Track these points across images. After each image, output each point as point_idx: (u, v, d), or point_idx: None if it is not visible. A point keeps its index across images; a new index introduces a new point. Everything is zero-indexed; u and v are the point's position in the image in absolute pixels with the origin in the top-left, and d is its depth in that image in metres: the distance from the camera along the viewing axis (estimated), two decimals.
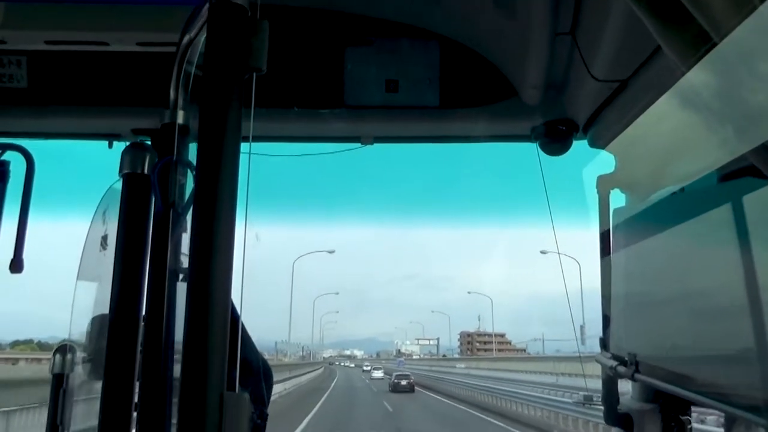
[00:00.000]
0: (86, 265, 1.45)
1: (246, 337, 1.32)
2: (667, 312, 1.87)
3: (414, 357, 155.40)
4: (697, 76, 1.24)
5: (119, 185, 1.24)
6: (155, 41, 1.35)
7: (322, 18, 2.14)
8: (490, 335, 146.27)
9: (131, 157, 1.21)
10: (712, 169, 1.65)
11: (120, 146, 2.30)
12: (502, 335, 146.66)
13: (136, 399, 1.16)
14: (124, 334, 1.16)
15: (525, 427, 26.13)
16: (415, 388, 51.52)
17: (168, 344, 1.10)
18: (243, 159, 0.95)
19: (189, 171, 1.08)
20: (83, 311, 1.45)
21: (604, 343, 2.20)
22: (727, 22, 0.98)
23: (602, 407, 2.19)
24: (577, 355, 3.93)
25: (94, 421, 1.21)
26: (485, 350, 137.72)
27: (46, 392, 1.42)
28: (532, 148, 2.28)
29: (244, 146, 0.90)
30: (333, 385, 63.33)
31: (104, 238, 1.30)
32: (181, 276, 1.08)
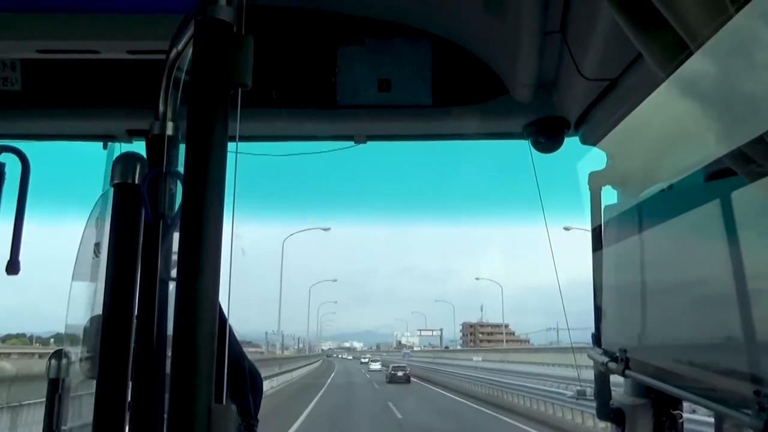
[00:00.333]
0: (80, 269, 1.46)
1: (234, 344, 1.34)
2: (656, 308, 1.89)
3: (415, 349, 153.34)
4: (686, 75, 1.26)
5: (111, 193, 1.25)
6: (145, 49, 1.36)
7: (314, 18, 2.15)
8: (493, 326, 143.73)
9: (122, 167, 1.23)
10: (701, 166, 1.67)
11: (114, 147, 2.32)
12: (506, 326, 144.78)
13: (129, 399, 1.19)
14: (116, 337, 1.18)
15: None
16: (430, 387, 49.41)
17: (160, 345, 1.12)
18: (234, 159, 0.97)
19: (178, 181, 1.09)
20: (78, 313, 1.47)
21: (596, 339, 2.22)
22: (702, 29, 1.00)
23: (595, 402, 2.21)
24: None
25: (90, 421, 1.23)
26: (488, 341, 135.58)
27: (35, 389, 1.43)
28: (525, 145, 2.29)
29: (231, 146, 0.91)
30: (329, 381, 55.04)
31: (97, 246, 1.32)
32: (171, 285, 1.10)
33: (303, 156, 2.49)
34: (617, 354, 1.98)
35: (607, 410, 2.12)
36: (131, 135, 2.19)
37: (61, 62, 2.00)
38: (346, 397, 38.96)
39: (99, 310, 1.29)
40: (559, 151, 2.25)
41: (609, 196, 2.28)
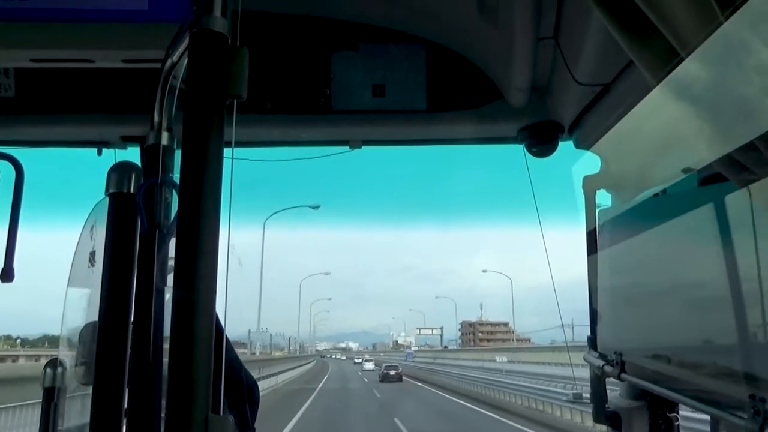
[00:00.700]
0: (75, 277, 1.46)
1: (231, 353, 1.33)
2: (651, 312, 1.90)
3: (413, 348, 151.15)
4: (678, 80, 1.26)
5: (106, 202, 1.25)
6: (141, 58, 1.36)
7: (308, 24, 2.15)
8: (493, 324, 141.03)
9: (117, 177, 1.22)
10: (694, 170, 1.68)
11: (108, 153, 2.32)
12: (506, 324, 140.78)
13: (125, 406, 1.18)
14: (112, 350, 1.17)
15: None
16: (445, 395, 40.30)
17: (156, 352, 1.11)
18: (232, 165, 0.97)
19: (174, 191, 1.09)
20: (73, 320, 1.47)
21: (592, 342, 2.23)
22: (692, 36, 1.01)
23: (591, 405, 2.22)
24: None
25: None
26: (488, 340, 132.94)
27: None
28: (520, 149, 2.30)
29: (227, 152, 0.91)
30: (320, 387, 46.59)
31: (92, 254, 1.31)
32: (167, 294, 1.10)
33: (299, 161, 2.49)
34: (613, 357, 1.99)
35: (603, 413, 2.13)
36: (126, 141, 2.19)
37: (55, 68, 2.00)
38: (339, 410, 29.60)
39: (94, 317, 1.29)
40: (553, 155, 2.26)
41: (603, 199, 2.28)
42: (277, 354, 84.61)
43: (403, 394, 40.20)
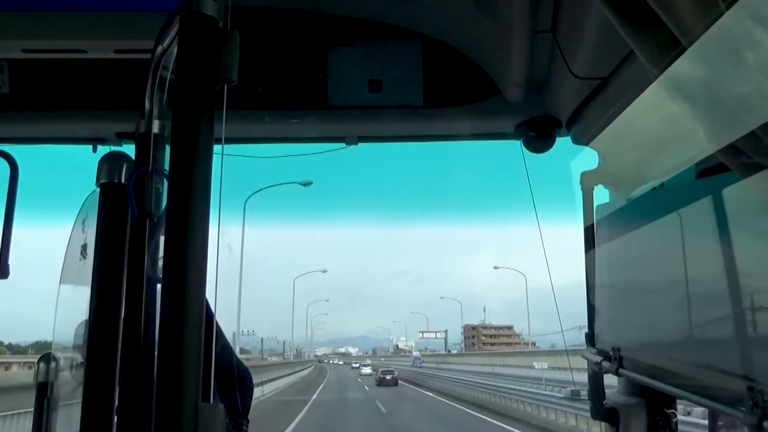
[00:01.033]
0: (68, 272, 1.45)
1: (221, 340, 1.32)
2: (649, 306, 1.89)
3: (413, 353, 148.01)
4: (677, 73, 1.26)
5: (97, 193, 1.24)
6: (133, 48, 1.35)
7: (304, 19, 2.15)
8: (497, 328, 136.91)
9: (108, 167, 1.22)
10: (692, 164, 1.68)
11: (104, 150, 2.31)
12: (509, 327, 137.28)
13: (116, 403, 1.17)
14: (103, 341, 1.16)
15: None
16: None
17: (147, 347, 1.10)
18: (226, 161, 0.96)
19: (165, 180, 1.08)
20: (66, 317, 1.46)
21: (590, 338, 2.22)
22: (694, 26, 1.00)
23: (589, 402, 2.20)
24: None
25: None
26: (492, 344, 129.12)
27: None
28: (517, 145, 2.29)
29: (217, 148, 0.90)
30: (314, 399, 38.50)
31: (84, 247, 1.30)
32: (159, 285, 1.08)
33: (295, 158, 2.49)
34: (611, 353, 1.98)
35: (601, 410, 2.12)
36: (120, 137, 2.18)
37: (49, 64, 1.99)
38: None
39: (86, 315, 1.28)
40: (551, 150, 2.25)
41: (601, 195, 2.28)
42: (275, 359, 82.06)
43: (417, 409, 32.84)
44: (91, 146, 2.28)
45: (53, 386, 1.38)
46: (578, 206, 2.30)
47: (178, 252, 0.84)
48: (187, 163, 0.85)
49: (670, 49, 1.09)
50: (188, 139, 0.86)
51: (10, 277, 1.46)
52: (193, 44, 0.88)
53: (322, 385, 57.06)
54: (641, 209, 1.96)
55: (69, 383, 1.37)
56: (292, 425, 24.14)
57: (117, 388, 1.15)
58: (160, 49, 1.08)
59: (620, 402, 2.06)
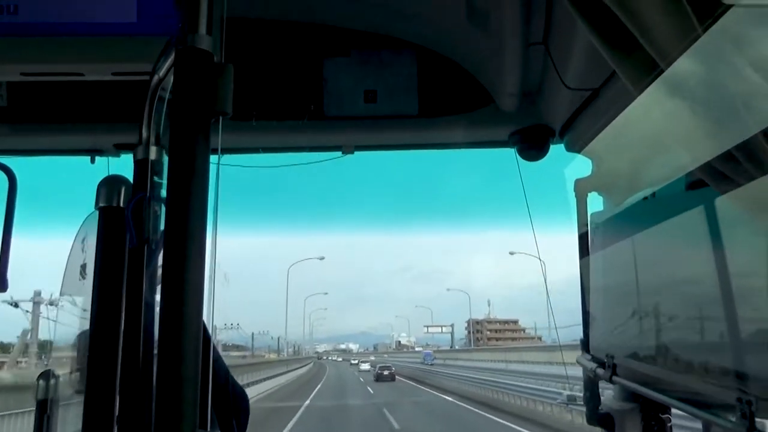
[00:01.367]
0: (67, 287, 1.47)
1: (218, 363, 1.34)
2: (642, 314, 1.91)
3: (417, 348, 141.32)
4: (668, 83, 1.28)
5: (96, 215, 1.26)
6: (130, 71, 1.37)
7: (300, 31, 2.17)
8: (502, 322, 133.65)
9: (107, 191, 1.23)
10: (685, 172, 1.69)
11: (102, 161, 2.33)
12: (515, 322, 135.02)
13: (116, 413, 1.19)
14: (103, 363, 1.18)
15: None
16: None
17: (146, 373, 1.12)
18: (224, 171, 0.98)
19: (163, 205, 1.10)
20: (65, 329, 1.48)
21: (585, 345, 2.24)
22: (671, 49, 1.03)
23: (585, 407, 2.23)
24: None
25: None
26: (497, 339, 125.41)
27: None
28: (512, 153, 2.31)
29: (213, 158, 0.93)
30: (306, 405, 31.06)
31: (83, 267, 1.32)
32: (157, 308, 1.10)
33: (291, 167, 2.50)
34: (605, 360, 2.00)
35: (596, 415, 2.14)
36: (118, 149, 2.20)
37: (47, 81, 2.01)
38: None
39: (86, 327, 1.30)
40: (545, 158, 2.28)
41: (595, 202, 2.30)
42: (272, 357, 79.52)
43: (437, 419, 26.39)
44: (89, 157, 2.30)
45: (53, 403, 1.40)
46: (572, 213, 2.32)
47: (176, 279, 0.86)
48: (184, 193, 0.87)
49: (650, 71, 1.12)
50: (185, 169, 0.88)
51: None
52: (189, 79, 0.90)
53: (318, 387, 49.44)
54: (634, 217, 1.98)
55: (69, 400, 1.39)
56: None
57: (116, 411, 1.17)
58: (156, 78, 1.10)
59: (615, 407, 2.08)
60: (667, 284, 1.79)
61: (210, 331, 1.04)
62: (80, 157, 2.33)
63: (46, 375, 1.40)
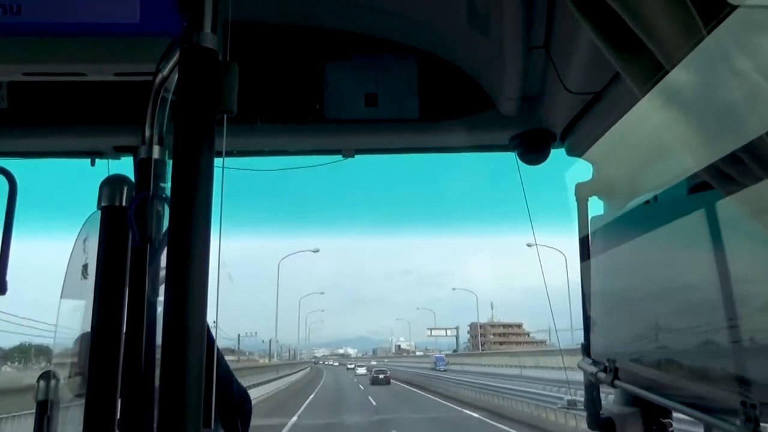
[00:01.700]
0: (69, 289, 1.46)
1: (222, 364, 1.34)
2: (643, 318, 1.90)
3: (417, 353, 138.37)
4: (665, 89, 1.28)
5: (98, 215, 1.26)
6: (133, 71, 1.36)
7: (301, 34, 2.17)
8: (506, 326, 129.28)
9: (109, 190, 1.23)
10: (686, 176, 1.69)
11: (102, 163, 2.33)
12: (519, 325, 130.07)
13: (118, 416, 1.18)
14: (105, 364, 1.18)
15: None
16: None
17: (148, 373, 1.12)
18: (225, 174, 0.98)
19: (166, 204, 1.09)
20: (66, 331, 1.47)
21: (586, 349, 2.24)
22: (676, 50, 1.02)
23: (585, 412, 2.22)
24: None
25: None
26: (501, 343, 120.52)
27: None
28: (512, 157, 2.31)
29: (218, 161, 0.92)
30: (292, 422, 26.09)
31: (85, 267, 1.32)
32: (160, 307, 1.10)
33: (292, 170, 2.51)
34: (606, 364, 1.99)
35: (597, 420, 2.13)
36: (119, 152, 2.20)
37: (48, 81, 2.01)
38: None
39: (88, 328, 1.29)
40: (546, 162, 2.27)
41: (596, 206, 2.30)
42: (267, 361, 75.13)
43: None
44: (89, 160, 2.30)
45: (53, 404, 1.39)
46: (573, 217, 2.32)
47: (180, 279, 0.86)
48: (188, 190, 0.87)
49: (655, 72, 1.12)
50: (189, 167, 0.88)
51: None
52: (193, 77, 0.90)
53: (312, 396, 44.59)
54: (635, 221, 1.98)
55: (69, 402, 1.38)
56: None
57: (118, 412, 1.16)
58: (160, 77, 1.10)
59: (616, 412, 2.08)
60: (670, 288, 1.78)
61: (214, 335, 1.04)
62: (80, 160, 2.33)
63: (47, 375, 1.40)
